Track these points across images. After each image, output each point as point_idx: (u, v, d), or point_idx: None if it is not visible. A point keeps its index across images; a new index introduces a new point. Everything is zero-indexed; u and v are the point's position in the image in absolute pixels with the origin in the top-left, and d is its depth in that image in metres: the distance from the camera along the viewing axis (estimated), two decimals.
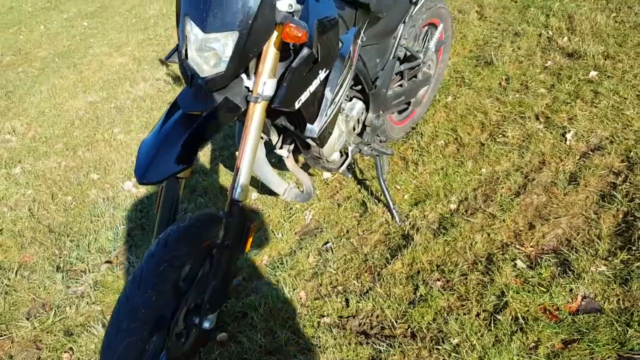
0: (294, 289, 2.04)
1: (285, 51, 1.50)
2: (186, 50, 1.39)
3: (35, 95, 4.59)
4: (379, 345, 1.73)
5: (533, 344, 1.62)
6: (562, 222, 1.98)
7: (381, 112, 2.21)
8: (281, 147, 1.95)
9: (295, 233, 2.36)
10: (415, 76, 2.43)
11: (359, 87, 2.06)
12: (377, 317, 1.85)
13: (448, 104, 2.81)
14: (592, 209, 1.99)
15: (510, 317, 1.70)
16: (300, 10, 1.50)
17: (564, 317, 1.67)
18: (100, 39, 5.59)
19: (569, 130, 2.35)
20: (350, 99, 2.10)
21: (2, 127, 4.10)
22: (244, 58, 1.38)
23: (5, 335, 2.19)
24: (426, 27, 2.53)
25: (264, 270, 2.19)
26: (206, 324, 1.70)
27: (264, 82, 1.44)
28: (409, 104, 2.53)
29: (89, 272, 2.43)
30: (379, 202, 2.33)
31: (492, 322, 1.71)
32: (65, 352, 2.05)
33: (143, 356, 1.46)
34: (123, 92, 4.19)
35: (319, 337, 1.81)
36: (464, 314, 1.76)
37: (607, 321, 1.61)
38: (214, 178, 2.85)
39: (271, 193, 2.50)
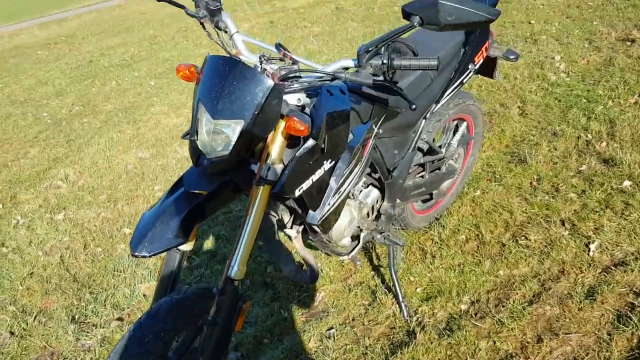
0: None
1: (295, 138, 1.56)
2: (197, 132, 1.48)
3: (93, 146, 4.88)
4: None
5: None
6: (572, 339, 1.89)
7: (398, 201, 2.22)
8: (291, 227, 1.98)
9: (302, 314, 2.34)
10: (439, 169, 2.44)
11: (377, 175, 2.09)
12: None
13: (475, 198, 2.79)
14: (605, 329, 1.89)
15: None
16: (312, 103, 1.57)
17: None
18: (162, 99, 5.93)
19: (594, 241, 2.27)
20: (367, 186, 2.13)
21: (57, 173, 4.37)
22: (248, 144, 1.45)
23: None
24: (455, 122, 2.56)
25: (264, 349, 2.18)
26: None
27: (268, 167, 1.50)
28: (432, 194, 2.53)
29: (100, 326, 2.49)
30: (389, 292, 2.30)
31: None
32: None
33: None
34: (171, 151, 4.39)
35: None
36: None
37: None
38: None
39: (281, 271, 2.52)
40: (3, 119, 6.23)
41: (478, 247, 2.46)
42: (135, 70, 7.40)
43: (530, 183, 2.78)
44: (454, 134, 2.52)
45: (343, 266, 2.57)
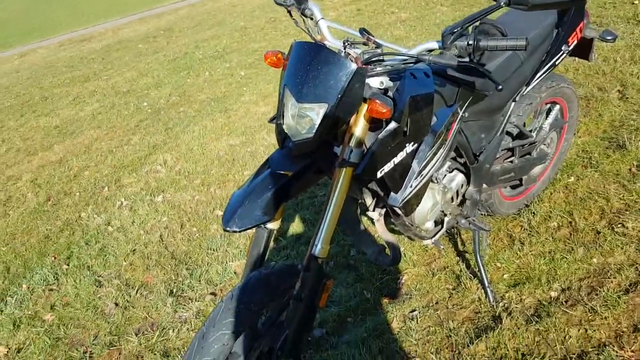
0: (371, 352, 2.05)
1: (377, 121, 1.59)
2: (283, 115, 1.55)
3: (189, 133, 5.15)
4: None
5: None
6: None
7: (484, 186, 2.18)
8: (373, 210, 2.01)
9: (385, 295, 2.37)
10: (529, 153, 2.37)
11: (462, 159, 2.07)
12: None
13: (569, 184, 2.67)
14: None
15: None
16: (395, 86, 1.59)
17: None
18: (251, 88, 6.13)
19: None
20: (452, 171, 2.12)
21: (156, 159, 4.66)
22: (332, 127, 1.50)
23: (115, 346, 2.47)
24: (548, 105, 2.47)
25: (348, 328, 2.23)
26: None
27: (350, 149, 1.54)
28: (521, 180, 2.46)
29: (196, 300, 2.65)
30: (474, 277, 2.27)
31: None
32: None
33: None
34: (259, 138, 4.55)
35: None
36: None
37: None
38: None
39: (363, 253, 2.56)
40: (108, 108, 6.71)
41: (570, 234, 2.37)
42: (227, 62, 7.69)
43: (629, 169, 2.63)
44: (546, 117, 2.42)
45: (426, 251, 2.57)
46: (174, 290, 2.77)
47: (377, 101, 1.44)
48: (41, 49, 13.01)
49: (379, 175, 1.58)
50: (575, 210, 2.47)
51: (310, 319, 1.81)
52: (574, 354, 1.81)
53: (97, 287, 2.96)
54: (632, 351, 1.76)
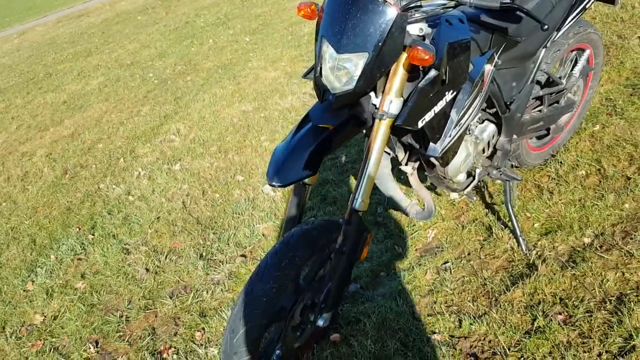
0: (407, 303, 2.08)
1: (414, 72, 1.57)
2: (321, 68, 1.53)
3: (199, 102, 5.12)
4: None
5: None
6: None
7: (515, 136, 2.17)
8: (406, 164, 2.01)
9: (416, 249, 2.39)
10: (557, 102, 2.35)
11: (493, 109, 2.06)
12: (490, 342, 1.82)
13: (595, 133, 2.66)
14: None
15: None
16: (432, 34, 1.56)
17: None
18: (258, 54, 6.07)
19: None
20: (482, 122, 2.10)
21: (169, 128, 4.65)
22: (372, 77, 1.48)
23: (151, 309, 2.51)
24: (574, 52, 2.44)
25: (382, 281, 2.26)
26: (320, 322, 1.81)
27: (390, 100, 1.53)
28: (548, 130, 2.45)
29: (226, 262, 2.68)
30: (505, 228, 2.29)
31: None
32: (198, 330, 2.29)
33: (260, 341, 1.61)
34: (272, 103, 4.52)
35: (428, 352, 1.84)
36: (584, 352, 1.67)
37: None
38: (343, 189, 2.98)
39: (395, 209, 2.57)
40: (114, 81, 6.66)
41: (600, 181, 2.36)
42: (230, 28, 7.60)
43: None
44: (574, 64, 2.39)
45: (454, 205, 2.57)
46: (204, 254, 2.80)
47: (419, 47, 1.42)
48: (39, 26, 12.86)
49: (420, 124, 1.57)
50: (603, 158, 2.46)
51: (349, 272, 1.84)
52: (612, 296, 1.83)
53: (125, 254, 2.98)
54: None
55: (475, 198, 2.39)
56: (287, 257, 1.60)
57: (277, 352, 1.78)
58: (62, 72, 7.83)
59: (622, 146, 2.49)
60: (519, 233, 2.16)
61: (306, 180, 1.74)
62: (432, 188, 2.61)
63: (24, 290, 2.90)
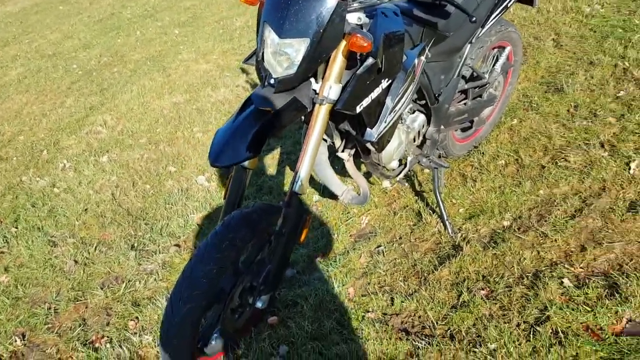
0: (343, 285, 2.16)
1: (352, 59, 1.64)
2: (263, 53, 1.57)
3: (127, 93, 4.98)
4: (418, 343, 1.81)
5: (571, 358, 1.65)
6: (615, 247, 1.99)
7: (442, 127, 2.30)
8: (343, 151, 2.09)
9: (351, 235, 2.48)
10: (480, 96, 2.51)
11: (423, 101, 2.17)
12: (419, 317, 1.93)
13: (513, 126, 2.86)
14: None
15: (551, 331, 1.74)
16: (369, 24, 1.64)
17: (607, 337, 1.69)
18: (189, 46, 5.98)
19: (634, 160, 2.34)
20: (413, 112, 2.22)
21: (95, 120, 4.50)
22: (313, 63, 1.54)
23: (80, 301, 2.44)
24: (496, 50, 2.61)
25: (318, 266, 2.32)
26: (259, 304, 1.84)
27: (330, 86, 1.59)
28: (472, 122, 2.60)
29: (159, 252, 2.65)
30: (433, 213, 2.41)
31: (532, 333, 1.75)
32: (131, 320, 2.26)
33: (199, 324, 1.62)
34: (205, 95, 4.48)
35: (362, 329, 1.92)
36: (505, 323, 1.81)
37: None
38: (279, 179, 3.02)
39: (331, 196, 2.64)
40: (35, 72, 6.33)
41: (518, 170, 2.54)
42: (158, 20, 7.42)
43: (568, 110, 2.84)
44: (495, 61, 2.56)
45: (386, 193, 2.68)
46: (135, 245, 2.75)
47: (359, 35, 1.49)
48: None
49: (358, 109, 1.64)
50: (521, 149, 2.65)
51: (289, 254, 1.88)
52: (529, 273, 1.99)
53: (51, 247, 2.88)
54: (582, 267, 1.95)
55: (406, 184, 2.50)
56: (228, 239, 1.62)
57: (215, 335, 1.80)
58: None
59: (537, 138, 2.69)
60: (445, 217, 2.29)
61: (246, 164, 1.77)
62: (366, 176, 2.70)
63: None
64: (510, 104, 3.05)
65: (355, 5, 1.59)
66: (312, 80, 1.67)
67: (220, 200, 2.97)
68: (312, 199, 2.77)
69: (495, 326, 1.80)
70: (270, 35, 1.54)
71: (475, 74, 2.36)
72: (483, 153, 2.71)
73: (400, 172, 2.24)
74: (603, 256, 1.97)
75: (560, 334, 1.71)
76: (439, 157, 2.49)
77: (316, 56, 1.53)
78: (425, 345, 1.80)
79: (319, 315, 2.02)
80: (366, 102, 1.66)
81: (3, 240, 3.01)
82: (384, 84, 1.71)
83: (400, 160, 2.23)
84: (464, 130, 2.71)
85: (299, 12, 1.49)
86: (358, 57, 1.64)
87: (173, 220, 2.87)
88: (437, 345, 1.78)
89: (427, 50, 1.96)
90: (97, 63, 6.21)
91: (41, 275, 2.66)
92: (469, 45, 2.23)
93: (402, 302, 1.99)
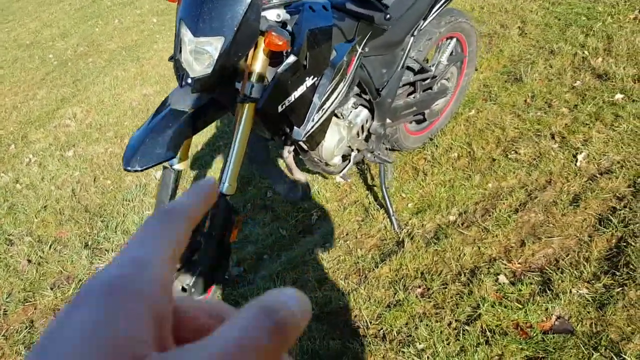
0: (284, 283, 2.15)
1: (278, 56, 1.61)
2: (181, 51, 1.54)
3: (99, 85, 4.94)
4: (350, 343, 1.81)
5: (497, 357, 1.64)
6: (554, 242, 1.98)
7: (389, 121, 2.27)
8: (282, 147, 2.06)
9: (299, 232, 2.46)
10: (430, 88, 2.47)
11: (367, 96, 2.14)
12: (355, 316, 1.92)
13: (470, 117, 2.83)
14: (587, 232, 1.97)
15: (480, 329, 1.73)
16: (294, 19, 1.61)
17: (535, 334, 1.68)
18: (164, 35, 5.92)
19: (582, 152, 2.32)
20: (356, 107, 2.18)
21: (65, 113, 4.46)
22: (229, 61, 1.50)
23: (30, 302, 2.43)
24: (449, 40, 2.56)
25: (264, 264, 2.31)
26: None
27: (251, 85, 1.56)
28: (424, 115, 2.57)
29: (112, 250, 2.64)
30: (381, 208, 2.40)
31: (462, 332, 1.74)
32: None
33: None
34: (174, 86, 4.43)
35: None
36: (436, 322, 1.80)
37: (575, 343, 1.61)
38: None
39: (274, 191, 2.62)
40: (11, 62, 6.29)
41: (469, 163, 2.52)
42: (138, 8, 7.34)
43: (525, 100, 2.81)
44: (442, 53, 2.52)
45: (339, 187, 2.66)
46: (89, 243, 2.74)
47: (273, 33, 1.45)
48: None
49: (280, 109, 1.62)
50: (474, 141, 2.63)
51: (223, 255, 1.86)
52: (467, 269, 1.98)
53: (8, 245, 2.87)
54: (519, 263, 1.95)
55: (350, 179, 2.48)
56: None
57: None
58: None
59: (491, 130, 2.66)
60: (391, 213, 2.27)
61: (176, 166, 1.75)
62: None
63: None
64: (470, 94, 3.02)
65: (275, 1, 1.56)
66: (236, 79, 1.64)
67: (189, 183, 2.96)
68: (266, 194, 2.75)
69: (427, 325, 1.79)
70: (186, 33, 1.50)
71: (422, 67, 2.33)
72: (437, 146, 2.69)
73: (344, 169, 2.22)
74: (541, 251, 1.96)
75: (488, 333, 1.70)
76: (387, 151, 2.47)
77: (232, 55, 1.50)
78: (356, 345, 1.79)
79: None
80: (288, 101, 1.63)
81: None
82: (309, 81, 1.68)
83: (344, 156, 2.21)
84: (418, 122, 2.68)
85: (213, 10, 1.46)
86: (284, 54, 1.61)
87: (129, 217, 2.86)
88: (367, 346, 1.78)
89: (361, 45, 1.93)
90: (73, 53, 6.15)
91: None
92: (411, 38, 2.19)
93: (339, 301, 1.98)
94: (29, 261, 2.71)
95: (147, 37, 6.07)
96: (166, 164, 1.72)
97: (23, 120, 4.55)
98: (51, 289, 2.47)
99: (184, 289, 1.80)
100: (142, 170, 1.55)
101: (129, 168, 1.51)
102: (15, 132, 4.35)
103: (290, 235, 2.45)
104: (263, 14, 1.52)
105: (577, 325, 1.67)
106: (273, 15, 1.58)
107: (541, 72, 2.96)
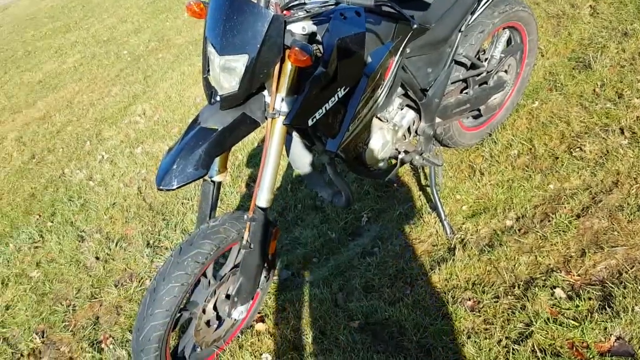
0: (331, 290, 2.12)
1: (307, 68, 1.56)
2: (209, 69, 1.53)
3: (167, 80, 5.10)
4: (393, 357, 1.76)
5: None
6: (618, 252, 1.82)
7: (438, 120, 2.17)
8: (322, 154, 2.02)
9: (348, 234, 2.43)
10: (486, 82, 2.33)
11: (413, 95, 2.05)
12: (400, 327, 1.87)
13: (533, 110, 2.65)
14: None
15: (530, 349, 1.63)
16: (324, 28, 1.55)
17: (591, 356, 1.57)
18: None
19: None
20: (402, 108, 2.10)
21: (135, 110, 4.66)
22: (255, 78, 1.49)
23: (97, 298, 2.57)
24: (506, 31, 2.40)
25: (312, 268, 2.30)
26: (235, 315, 1.86)
27: (280, 99, 1.54)
28: (480, 110, 2.44)
29: (171, 249, 2.73)
30: (433, 211, 2.31)
31: (511, 351, 1.65)
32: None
33: (165, 339, 1.66)
34: None
35: (342, 340, 1.89)
36: (485, 339, 1.72)
37: None
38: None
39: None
40: (89, 59, 6.63)
41: (530, 161, 2.37)
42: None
43: (593, 90, 2.59)
44: (496, 46, 2.35)
45: (390, 188, 2.59)
46: (151, 242, 2.85)
47: (296, 49, 1.41)
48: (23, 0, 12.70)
49: (310, 123, 1.58)
50: (536, 137, 2.47)
51: (261, 265, 1.86)
52: (522, 281, 1.87)
53: (79, 242, 3.04)
54: (578, 275, 1.81)
55: (396, 184, 2.40)
56: (190, 256, 1.64)
57: (193, 346, 1.85)
58: (41, 50, 7.80)
59: (555, 124, 2.49)
60: (443, 217, 2.19)
61: (215, 178, 1.77)
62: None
63: None
64: (534, 82, 2.83)
65: (300, 14, 1.51)
66: (266, 93, 1.61)
67: (235, 195, 3.01)
68: (317, 195, 2.72)
69: (475, 342, 1.71)
70: (212, 51, 1.50)
71: (473, 62, 2.19)
72: (496, 142, 2.55)
73: (390, 172, 2.15)
74: (603, 262, 1.82)
75: (539, 353, 1.60)
76: (437, 152, 2.36)
77: (257, 71, 1.48)
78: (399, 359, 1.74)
79: (302, 323, 2.01)
80: (319, 114, 1.59)
81: (39, 235, 3.21)
82: (341, 92, 1.63)
83: (391, 159, 2.14)
84: (475, 117, 2.55)
85: (234, 28, 1.44)
86: (313, 66, 1.56)
87: (187, 216, 2.94)
88: None
89: (402, 47, 1.84)
90: (145, 48, 6.39)
91: (67, 271, 2.83)
92: (459, 34, 2.06)
93: (385, 311, 1.93)
94: (97, 258, 2.86)
95: None
96: (205, 176, 1.74)
97: (98, 117, 4.79)
98: (115, 286, 2.60)
99: (227, 296, 1.84)
100: (173, 190, 1.56)
101: (162, 187, 1.54)
102: (91, 129, 4.59)
103: (339, 237, 2.42)
104: (288, 27, 1.48)
105: (639, 348, 1.53)
106: (298, 28, 1.52)
107: (612, 58, 2.72)
